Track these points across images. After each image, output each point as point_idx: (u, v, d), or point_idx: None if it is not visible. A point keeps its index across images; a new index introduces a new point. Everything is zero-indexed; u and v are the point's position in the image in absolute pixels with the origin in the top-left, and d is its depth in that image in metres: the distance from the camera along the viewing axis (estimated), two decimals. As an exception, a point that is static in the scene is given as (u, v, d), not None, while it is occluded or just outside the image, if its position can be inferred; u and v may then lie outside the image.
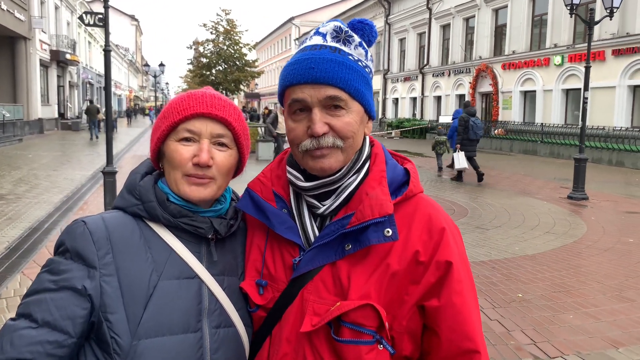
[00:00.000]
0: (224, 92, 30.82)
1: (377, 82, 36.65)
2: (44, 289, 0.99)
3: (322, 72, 1.02)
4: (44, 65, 29.08)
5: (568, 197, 10.44)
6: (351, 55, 1.07)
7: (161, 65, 39.64)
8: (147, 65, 42.26)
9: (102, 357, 1.01)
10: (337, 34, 1.07)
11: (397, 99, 36.35)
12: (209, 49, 32.96)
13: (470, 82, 27.21)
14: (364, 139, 1.13)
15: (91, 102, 30.13)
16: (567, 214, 8.93)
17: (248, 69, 33.56)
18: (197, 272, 1.09)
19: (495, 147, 23.19)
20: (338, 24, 1.09)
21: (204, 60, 33.11)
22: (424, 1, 31.34)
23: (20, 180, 11.39)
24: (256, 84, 63.17)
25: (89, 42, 43.83)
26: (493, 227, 7.86)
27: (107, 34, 8.08)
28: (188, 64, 35.88)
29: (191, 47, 34.59)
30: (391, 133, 31.33)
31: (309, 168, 1.07)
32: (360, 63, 1.07)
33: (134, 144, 23.53)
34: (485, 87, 26.30)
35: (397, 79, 35.81)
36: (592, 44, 10.82)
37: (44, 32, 28.42)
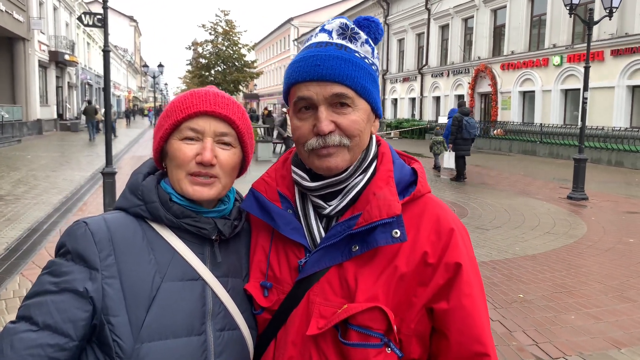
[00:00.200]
0: (223, 92, 30.68)
1: (376, 83, 36.52)
2: (44, 291, 0.97)
3: (328, 69, 1.00)
4: (43, 66, 29.04)
5: (568, 198, 10.44)
6: (357, 52, 1.04)
7: (160, 66, 39.57)
8: (145, 66, 42.21)
9: (104, 360, 0.99)
10: (343, 31, 1.05)
11: (395, 100, 36.35)
12: (207, 50, 32.93)
13: (469, 83, 27.22)
14: (371, 137, 1.11)
15: (89, 102, 30.10)
16: (567, 214, 8.92)
17: (247, 69, 33.55)
18: (201, 273, 1.07)
19: (495, 147, 23.20)
20: (344, 20, 1.06)
21: (203, 61, 33.07)
22: (423, 2, 31.35)
23: (19, 181, 11.36)
24: (255, 85, 63.12)
25: (88, 43, 43.79)
26: (493, 227, 7.85)
27: (106, 34, 8.06)
28: (187, 64, 35.86)
29: (190, 48, 34.57)
30: (390, 133, 31.33)
31: (314, 167, 1.05)
32: (366, 60, 1.05)
33: (133, 144, 23.50)
34: (484, 87, 26.31)
35: (396, 80, 35.82)
36: (591, 44, 10.82)
37: (43, 33, 28.37)
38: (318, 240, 1.06)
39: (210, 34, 32.55)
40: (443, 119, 24.43)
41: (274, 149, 18.76)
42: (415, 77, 33.20)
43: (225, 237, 1.13)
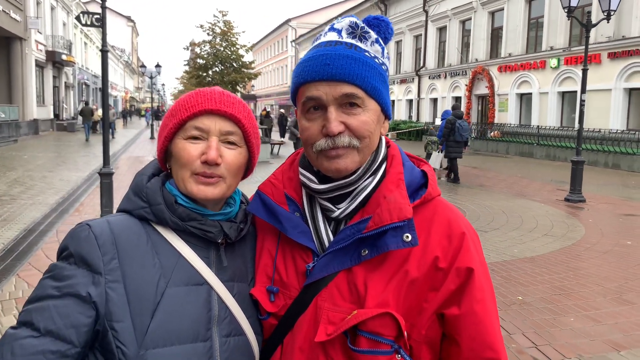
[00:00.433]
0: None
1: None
2: (46, 295, 0.94)
3: (338, 68, 0.97)
4: (40, 66, 28.93)
5: (565, 200, 10.45)
6: (367, 52, 1.02)
7: (157, 66, 39.45)
8: (143, 66, 42.01)
9: (107, 367, 0.96)
10: (353, 30, 1.03)
11: (393, 101, 36.36)
12: (205, 50, 32.92)
13: (466, 85, 27.26)
14: (380, 139, 1.09)
15: (86, 103, 30.00)
16: (565, 216, 8.93)
17: (245, 70, 33.55)
18: (207, 278, 1.05)
19: (492, 149, 23.24)
20: (354, 19, 1.04)
21: (201, 61, 33.07)
22: (421, 4, 31.41)
23: (15, 182, 11.30)
24: (253, 86, 63.09)
25: (85, 43, 43.65)
26: (491, 229, 7.84)
27: (104, 34, 8.02)
28: (184, 65, 35.83)
29: (188, 48, 34.54)
30: (387, 135, 31.35)
31: (323, 169, 1.03)
32: (376, 60, 1.03)
33: (130, 145, 23.43)
34: (482, 89, 26.36)
35: (394, 81, 35.84)
36: (588, 46, 10.85)
37: (40, 33, 28.27)
38: (326, 244, 1.04)
39: (208, 34, 32.57)
40: (440, 121, 24.53)
41: (272, 150, 18.78)
42: (413, 78, 33.25)
43: (231, 241, 1.10)
